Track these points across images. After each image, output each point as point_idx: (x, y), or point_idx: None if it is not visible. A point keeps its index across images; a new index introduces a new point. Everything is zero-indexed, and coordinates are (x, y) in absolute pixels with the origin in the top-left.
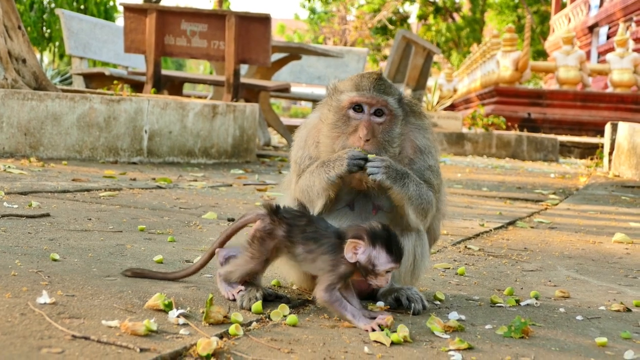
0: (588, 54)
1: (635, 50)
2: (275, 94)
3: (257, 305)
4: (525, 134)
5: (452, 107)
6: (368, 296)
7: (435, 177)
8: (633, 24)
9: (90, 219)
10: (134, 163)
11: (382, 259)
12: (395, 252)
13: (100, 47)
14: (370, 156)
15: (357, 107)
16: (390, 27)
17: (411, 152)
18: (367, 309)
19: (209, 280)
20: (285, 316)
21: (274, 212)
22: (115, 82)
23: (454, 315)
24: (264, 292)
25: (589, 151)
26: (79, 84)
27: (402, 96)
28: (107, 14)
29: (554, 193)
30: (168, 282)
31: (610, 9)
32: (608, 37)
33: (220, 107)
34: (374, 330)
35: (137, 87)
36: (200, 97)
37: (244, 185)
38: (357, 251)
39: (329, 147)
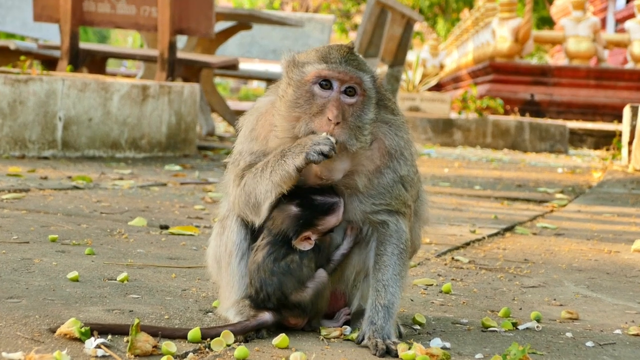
0: (603, 21)
1: None
2: (220, 72)
3: (195, 332)
4: (527, 119)
5: (438, 87)
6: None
7: (407, 189)
8: None
9: None
10: (46, 158)
11: (331, 223)
12: (323, 207)
13: (4, 14)
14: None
15: (325, 83)
16: None
17: (378, 157)
18: (322, 335)
19: (135, 300)
20: (229, 345)
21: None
22: (22, 57)
23: (436, 343)
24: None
25: (605, 140)
26: None
27: (376, 78)
28: None
29: (561, 192)
30: (85, 304)
31: None
32: (627, 1)
33: (152, 88)
34: None
35: (50, 63)
36: (128, 76)
37: (182, 184)
38: (310, 240)
39: (287, 131)
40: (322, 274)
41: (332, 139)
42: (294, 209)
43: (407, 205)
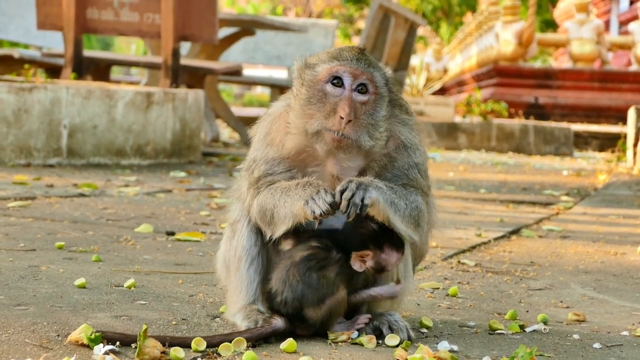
0: (607, 23)
1: None
2: (224, 78)
3: (198, 340)
4: (532, 122)
5: (442, 91)
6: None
7: (423, 177)
8: None
9: None
10: (51, 166)
11: (392, 259)
12: (399, 243)
13: (7, 23)
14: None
15: (337, 81)
16: None
17: (393, 147)
18: (329, 339)
19: (142, 307)
20: (235, 351)
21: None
22: (26, 66)
23: (444, 346)
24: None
25: (610, 142)
26: None
27: (388, 77)
28: None
29: (567, 194)
30: (93, 311)
31: None
32: (631, 3)
33: (157, 95)
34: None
35: (54, 71)
36: (132, 83)
37: (187, 190)
38: (365, 261)
39: (300, 127)
40: (341, 292)
41: (330, 198)
42: (373, 226)
43: (423, 190)
